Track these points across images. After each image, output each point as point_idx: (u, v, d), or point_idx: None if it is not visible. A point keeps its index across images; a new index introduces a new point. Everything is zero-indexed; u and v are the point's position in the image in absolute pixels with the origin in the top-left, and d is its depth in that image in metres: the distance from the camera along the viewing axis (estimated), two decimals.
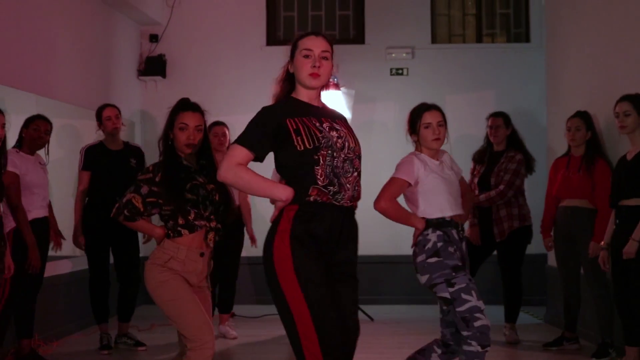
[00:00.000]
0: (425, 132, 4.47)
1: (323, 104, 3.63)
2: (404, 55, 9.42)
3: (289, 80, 3.63)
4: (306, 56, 3.52)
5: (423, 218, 4.35)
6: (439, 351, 4.47)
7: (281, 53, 9.77)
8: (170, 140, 4.18)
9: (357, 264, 3.56)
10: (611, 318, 6.09)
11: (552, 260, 7.32)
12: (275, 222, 3.42)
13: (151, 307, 8.45)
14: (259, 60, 9.54)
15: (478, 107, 8.80)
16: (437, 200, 4.37)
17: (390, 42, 9.45)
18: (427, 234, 4.33)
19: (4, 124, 5.23)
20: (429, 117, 4.47)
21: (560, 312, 6.93)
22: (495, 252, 6.95)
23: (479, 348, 4.16)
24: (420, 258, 4.32)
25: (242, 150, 3.42)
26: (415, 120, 4.51)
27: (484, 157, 7.03)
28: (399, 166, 4.42)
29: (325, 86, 3.59)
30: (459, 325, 4.22)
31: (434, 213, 4.36)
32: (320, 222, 3.38)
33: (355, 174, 3.49)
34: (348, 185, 3.44)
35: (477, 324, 4.16)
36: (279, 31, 9.82)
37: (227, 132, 7.10)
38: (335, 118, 3.59)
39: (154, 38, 9.64)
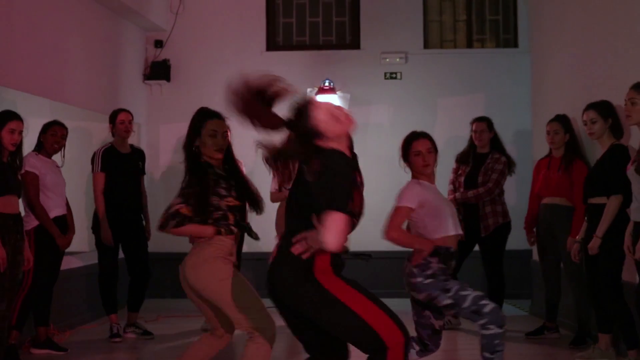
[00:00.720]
0: (415, 159, 4.72)
1: None
2: (398, 60, 9.73)
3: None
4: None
5: (431, 241, 4.59)
6: (417, 348, 4.76)
7: (280, 58, 10.23)
8: (195, 147, 4.41)
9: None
10: (588, 309, 6.49)
11: (536, 255, 7.71)
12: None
13: (157, 300, 8.93)
14: (259, 64, 9.87)
15: (468, 110, 9.11)
16: (441, 221, 4.64)
17: (385, 47, 9.80)
18: (431, 262, 4.57)
19: (22, 130, 5.70)
20: (418, 146, 4.73)
21: (544, 305, 7.34)
22: (477, 248, 7.40)
23: (498, 329, 4.41)
24: (418, 279, 4.55)
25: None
26: (407, 148, 4.77)
27: (468, 158, 7.44)
28: (400, 194, 4.68)
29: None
30: (471, 319, 4.48)
31: (440, 233, 4.62)
32: None
33: None
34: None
35: (486, 309, 4.42)
36: (278, 37, 10.15)
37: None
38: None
39: (158, 44, 9.92)
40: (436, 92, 9.72)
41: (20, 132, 5.57)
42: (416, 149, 4.72)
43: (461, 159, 7.52)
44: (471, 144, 7.52)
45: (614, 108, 5.93)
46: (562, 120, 6.83)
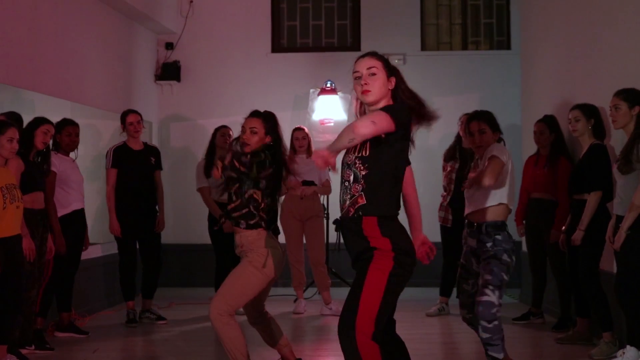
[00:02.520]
0: (469, 138, 5.28)
1: None
2: (396, 61, 10.05)
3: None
4: (357, 78, 3.83)
5: None
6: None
7: (285, 59, 10.71)
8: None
9: (357, 261, 3.78)
10: (569, 296, 6.99)
11: (526, 247, 8.17)
12: None
13: (170, 289, 9.41)
14: (264, 65, 10.36)
15: (464, 109, 9.34)
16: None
17: (384, 49, 9.96)
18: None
19: (53, 133, 6.27)
20: (470, 126, 5.20)
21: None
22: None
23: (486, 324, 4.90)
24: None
25: None
26: (466, 126, 5.29)
27: (455, 154, 7.87)
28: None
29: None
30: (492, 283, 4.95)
31: None
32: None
33: (346, 183, 3.74)
34: (343, 199, 3.79)
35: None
36: (283, 39, 10.59)
37: (231, 133, 7.86)
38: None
39: (169, 46, 10.35)
40: (433, 92, 10.01)
41: (52, 136, 6.14)
42: (470, 130, 5.20)
43: (448, 155, 7.95)
44: (458, 140, 7.94)
45: (598, 111, 6.39)
46: (548, 121, 7.24)
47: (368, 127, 3.55)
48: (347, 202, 3.70)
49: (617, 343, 5.89)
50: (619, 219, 5.46)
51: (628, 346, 5.42)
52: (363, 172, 3.65)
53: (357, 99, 3.92)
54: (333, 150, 3.56)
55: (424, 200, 4.78)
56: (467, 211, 5.15)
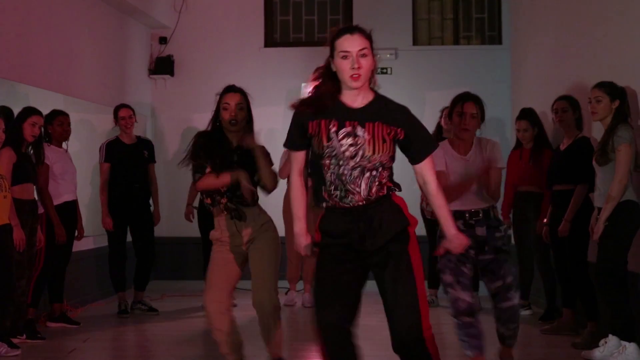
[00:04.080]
0: (456, 120, 4.80)
1: (371, 100, 3.60)
2: (388, 56, 10.19)
3: (332, 77, 3.59)
4: (344, 57, 3.49)
5: None
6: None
7: (278, 54, 10.74)
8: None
9: (394, 251, 3.59)
10: (555, 287, 7.06)
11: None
12: None
13: (162, 281, 9.48)
14: (257, 60, 10.42)
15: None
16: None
17: (376, 43, 10.05)
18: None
19: (42, 125, 6.32)
20: (463, 107, 4.77)
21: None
22: None
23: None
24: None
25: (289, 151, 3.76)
26: (453, 106, 4.85)
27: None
28: None
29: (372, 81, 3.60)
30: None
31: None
32: (334, 225, 3.62)
33: (368, 174, 3.54)
34: (358, 189, 3.54)
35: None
36: (276, 34, 10.67)
37: None
38: (367, 121, 3.54)
39: (163, 40, 10.42)
40: (424, 87, 10.20)
41: (40, 127, 6.19)
42: (463, 110, 4.77)
43: None
44: (439, 130, 7.97)
45: (579, 103, 6.49)
46: (529, 117, 7.29)
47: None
48: (375, 188, 3.55)
49: (602, 333, 5.96)
50: (600, 211, 5.54)
51: (610, 335, 5.50)
52: (389, 165, 3.61)
53: (320, 73, 3.63)
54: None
55: (411, 193, 4.82)
56: (457, 207, 4.77)
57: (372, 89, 3.62)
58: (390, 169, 3.65)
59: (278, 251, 4.78)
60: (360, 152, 3.53)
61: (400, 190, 3.67)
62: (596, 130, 6.27)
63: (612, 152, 5.41)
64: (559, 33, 7.63)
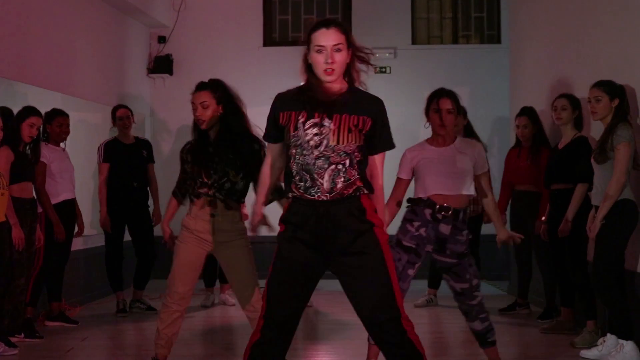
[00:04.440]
0: (433, 116, 4.76)
1: (343, 92, 3.62)
2: (387, 55, 10.23)
3: (309, 70, 3.63)
4: (319, 51, 3.54)
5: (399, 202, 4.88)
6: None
7: (277, 53, 10.76)
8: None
9: (360, 248, 3.58)
10: (554, 286, 7.06)
11: None
12: None
13: (161, 281, 9.42)
14: (256, 59, 10.45)
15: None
16: (423, 182, 4.76)
17: (375, 43, 10.23)
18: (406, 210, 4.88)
19: (40, 126, 6.33)
20: (440, 103, 4.74)
21: None
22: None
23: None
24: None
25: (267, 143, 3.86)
26: (429, 103, 4.81)
27: None
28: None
29: (351, 73, 3.59)
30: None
31: (419, 194, 4.77)
32: (296, 217, 3.61)
33: (332, 166, 3.54)
34: (321, 180, 3.53)
35: None
36: (275, 33, 10.70)
37: None
38: (335, 112, 3.56)
39: (161, 39, 10.45)
40: (423, 86, 10.02)
41: (38, 128, 6.20)
42: (436, 106, 4.77)
43: None
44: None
45: (580, 102, 6.48)
46: (529, 114, 7.31)
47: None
48: (340, 184, 3.55)
49: (600, 332, 5.97)
50: (597, 209, 5.54)
51: (608, 334, 5.50)
52: (358, 158, 3.59)
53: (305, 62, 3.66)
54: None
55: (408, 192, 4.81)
56: (434, 192, 4.78)
57: (347, 81, 3.64)
58: (360, 166, 3.62)
59: (252, 256, 4.85)
60: (325, 142, 3.56)
61: (372, 192, 3.66)
62: (595, 130, 6.27)
63: (611, 150, 5.41)
64: (557, 31, 7.64)
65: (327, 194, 3.54)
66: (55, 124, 6.98)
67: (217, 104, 4.82)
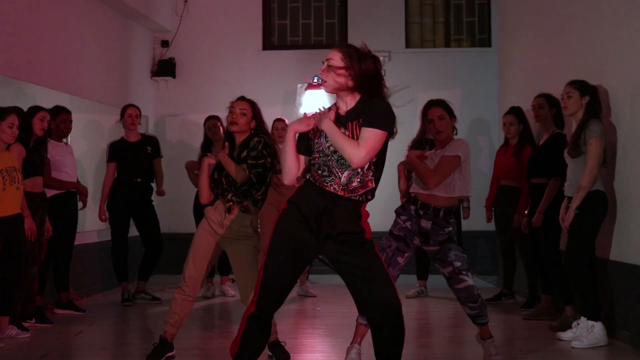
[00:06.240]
0: (429, 127, 5.20)
1: (355, 103, 3.96)
2: (381, 58, 10.50)
3: None
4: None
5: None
6: None
7: (275, 56, 11.11)
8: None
9: (355, 238, 3.95)
10: (536, 276, 7.41)
11: None
12: None
13: (163, 276, 9.81)
14: (255, 62, 10.78)
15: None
16: (414, 180, 5.21)
17: (369, 46, 10.11)
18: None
19: (49, 119, 6.72)
20: (429, 114, 5.16)
21: None
22: None
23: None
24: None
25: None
26: (423, 118, 5.23)
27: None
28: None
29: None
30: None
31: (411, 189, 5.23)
32: (307, 198, 3.95)
33: (350, 170, 3.88)
34: (340, 174, 3.89)
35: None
36: (274, 37, 11.03)
37: (219, 124, 8.13)
38: (349, 121, 3.90)
39: (165, 43, 10.79)
40: (417, 89, 10.36)
41: (48, 121, 6.60)
42: (429, 117, 5.18)
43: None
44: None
45: (558, 101, 6.84)
46: (516, 113, 7.67)
47: (367, 157, 3.86)
48: (355, 183, 3.90)
49: (578, 316, 6.32)
50: (570, 200, 5.91)
51: (582, 317, 5.87)
52: (374, 159, 3.91)
53: None
54: (326, 125, 3.87)
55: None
56: (418, 190, 5.16)
57: (360, 93, 3.99)
58: (377, 167, 3.96)
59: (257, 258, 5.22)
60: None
61: (373, 198, 4.02)
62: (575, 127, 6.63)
63: (583, 145, 5.79)
64: (540, 35, 8.00)
65: (341, 190, 3.91)
66: (59, 120, 7.33)
67: (252, 117, 5.30)
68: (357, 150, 3.83)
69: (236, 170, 5.17)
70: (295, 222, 3.97)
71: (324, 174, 3.94)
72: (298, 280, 8.54)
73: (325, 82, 3.99)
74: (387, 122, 3.90)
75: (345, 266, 4.01)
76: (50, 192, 7.07)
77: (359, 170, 3.91)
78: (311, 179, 4.00)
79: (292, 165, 4.05)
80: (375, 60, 4.11)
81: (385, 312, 3.94)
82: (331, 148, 3.91)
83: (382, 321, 3.98)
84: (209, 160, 5.30)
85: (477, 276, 9.52)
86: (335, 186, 3.92)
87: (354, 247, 3.97)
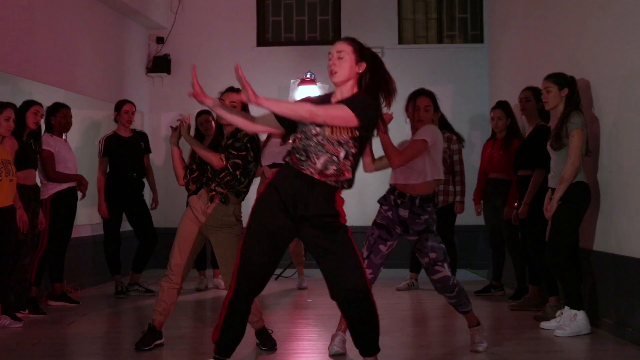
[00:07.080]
0: (412, 112, 5.27)
1: (349, 95, 4.13)
2: None
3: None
4: (329, 58, 4.17)
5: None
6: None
7: (270, 53, 11.23)
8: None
9: (330, 222, 4.09)
10: (524, 269, 7.51)
11: None
12: None
13: (157, 270, 9.91)
14: (250, 58, 10.86)
15: (439, 100, 10.03)
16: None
17: (363, 42, 10.70)
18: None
19: (43, 114, 6.84)
20: (417, 101, 5.26)
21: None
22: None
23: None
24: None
25: None
26: (408, 102, 5.30)
27: None
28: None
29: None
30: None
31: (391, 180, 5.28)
32: (283, 180, 4.11)
33: (328, 155, 4.02)
34: (316, 160, 4.03)
35: None
36: (268, 33, 11.15)
37: (211, 119, 8.15)
38: None
39: (160, 40, 10.92)
40: (409, 84, 10.03)
41: (42, 115, 6.72)
42: (416, 104, 5.25)
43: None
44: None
45: None
46: (504, 107, 7.77)
47: (314, 116, 3.96)
48: (331, 170, 4.04)
49: (562, 306, 6.41)
50: (553, 191, 6.00)
51: (565, 307, 5.96)
52: (353, 151, 4.06)
53: None
54: (265, 101, 3.98)
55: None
56: (395, 180, 5.25)
57: (358, 87, 4.18)
58: (355, 158, 4.10)
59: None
60: (322, 132, 4.08)
61: (349, 188, 4.16)
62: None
63: (565, 137, 5.87)
64: (529, 31, 8.09)
65: (317, 173, 4.05)
66: (60, 116, 7.43)
67: (242, 109, 5.35)
68: (312, 107, 3.97)
69: (198, 148, 5.38)
70: (271, 205, 4.09)
71: (302, 158, 4.07)
72: (296, 274, 8.77)
73: (336, 72, 4.12)
74: (361, 110, 4.01)
75: (318, 249, 4.13)
76: (54, 188, 7.23)
77: (334, 157, 4.03)
78: (290, 162, 4.13)
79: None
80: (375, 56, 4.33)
81: (351, 296, 4.07)
82: (316, 129, 4.04)
83: (349, 305, 4.12)
84: (173, 144, 5.60)
85: (468, 270, 9.72)
86: (312, 169, 4.06)
87: (327, 231, 4.09)
